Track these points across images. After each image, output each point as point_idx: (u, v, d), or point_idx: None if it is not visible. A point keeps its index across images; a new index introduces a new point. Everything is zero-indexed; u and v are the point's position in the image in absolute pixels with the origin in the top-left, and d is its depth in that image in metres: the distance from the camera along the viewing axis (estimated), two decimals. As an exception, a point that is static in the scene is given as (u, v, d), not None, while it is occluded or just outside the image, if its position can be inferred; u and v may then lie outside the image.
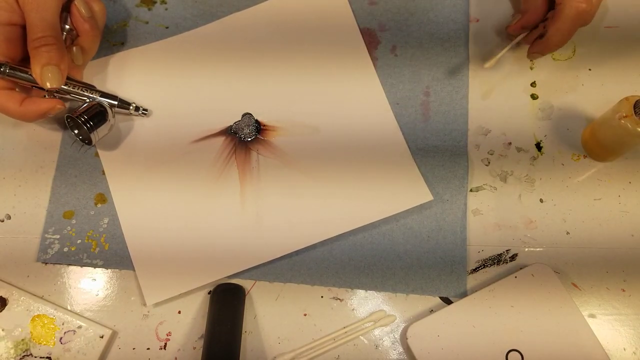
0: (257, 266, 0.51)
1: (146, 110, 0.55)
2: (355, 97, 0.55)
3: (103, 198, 0.53)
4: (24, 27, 0.49)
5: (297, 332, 0.50)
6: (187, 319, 0.50)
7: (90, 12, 0.52)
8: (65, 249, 0.52)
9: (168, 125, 0.55)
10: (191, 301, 0.51)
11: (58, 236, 0.52)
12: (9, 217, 0.53)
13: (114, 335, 0.50)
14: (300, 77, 0.56)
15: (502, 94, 0.56)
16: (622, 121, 0.48)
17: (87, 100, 0.53)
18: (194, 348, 0.50)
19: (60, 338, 0.49)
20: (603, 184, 0.53)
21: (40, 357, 0.49)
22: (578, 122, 0.55)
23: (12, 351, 0.49)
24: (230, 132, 0.55)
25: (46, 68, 0.48)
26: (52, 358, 0.49)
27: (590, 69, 0.56)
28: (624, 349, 0.49)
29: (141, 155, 0.54)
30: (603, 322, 0.50)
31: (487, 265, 0.51)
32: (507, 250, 0.52)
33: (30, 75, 0.50)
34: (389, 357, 0.49)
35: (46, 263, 0.52)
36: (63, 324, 0.49)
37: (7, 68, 0.50)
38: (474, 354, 0.47)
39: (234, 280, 0.51)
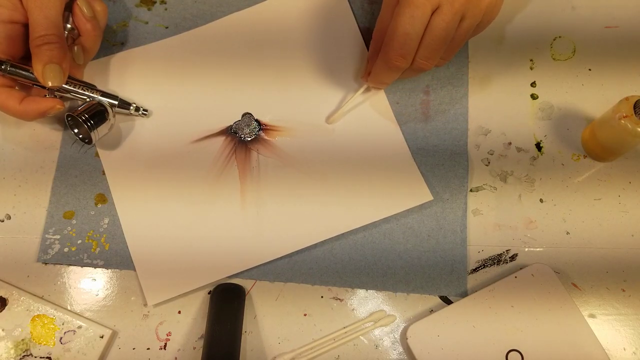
0: (257, 266, 0.51)
1: (146, 110, 0.55)
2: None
3: (103, 198, 0.53)
4: (25, 26, 0.50)
5: (297, 332, 0.50)
6: (187, 319, 0.50)
7: (92, 12, 0.52)
8: (66, 249, 0.52)
9: (168, 125, 0.55)
10: (191, 301, 0.51)
11: (58, 236, 0.52)
12: (9, 217, 0.53)
13: (114, 335, 0.50)
14: (299, 77, 0.56)
15: (502, 94, 0.56)
16: (622, 121, 0.48)
17: (88, 99, 0.53)
18: (194, 348, 0.50)
19: (60, 338, 0.49)
20: (603, 184, 0.53)
21: (40, 357, 0.49)
22: (578, 122, 0.55)
23: (12, 351, 0.49)
24: (230, 132, 0.55)
25: (48, 66, 0.48)
26: (52, 358, 0.49)
27: (590, 69, 0.56)
28: (624, 349, 0.49)
29: (141, 155, 0.54)
30: (603, 322, 0.50)
31: (487, 265, 0.51)
32: (507, 250, 0.52)
33: (31, 73, 0.50)
34: (389, 357, 0.49)
35: (46, 263, 0.52)
36: (63, 324, 0.49)
37: (8, 66, 0.50)
38: (474, 354, 0.47)
39: (234, 280, 0.51)
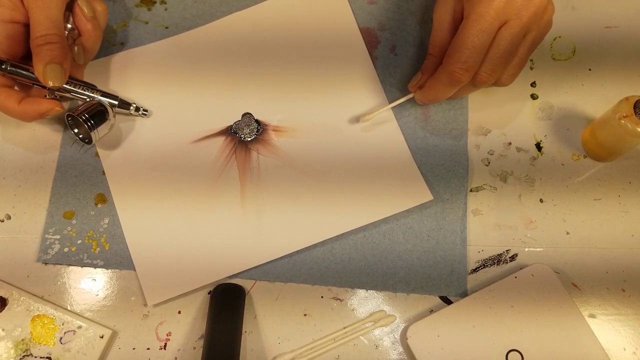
0: (257, 266, 0.51)
1: (146, 110, 0.55)
2: (355, 96, 0.55)
3: (103, 198, 0.53)
4: (26, 25, 0.50)
5: (297, 332, 0.50)
6: (187, 319, 0.50)
7: (93, 12, 0.52)
8: (66, 249, 0.52)
9: (168, 125, 0.55)
10: (191, 301, 0.51)
11: (58, 236, 0.52)
12: (9, 217, 0.53)
13: (114, 335, 0.50)
14: (300, 77, 0.56)
15: (502, 94, 0.56)
16: (622, 121, 0.48)
17: (88, 99, 0.53)
18: (194, 348, 0.50)
19: (60, 338, 0.49)
20: (603, 184, 0.53)
21: (40, 357, 0.49)
22: (578, 122, 0.55)
23: (12, 351, 0.49)
24: (231, 132, 0.55)
25: (49, 66, 0.48)
26: (52, 358, 0.49)
27: (590, 69, 0.56)
28: (624, 349, 0.49)
29: (141, 155, 0.54)
30: (603, 322, 0.50)
31: (487, 265, 0.51)
32: (507, 250, 0.52)
33: (32, 73, 0.50)
34: (389, 357, 0.49)
35: (46, 263, 0.52)
36: (63, 324, 0.49)
37: (9, 65, 0.50)
38: (474, 354, 0.47)
39: (234, 280, 0.51)
